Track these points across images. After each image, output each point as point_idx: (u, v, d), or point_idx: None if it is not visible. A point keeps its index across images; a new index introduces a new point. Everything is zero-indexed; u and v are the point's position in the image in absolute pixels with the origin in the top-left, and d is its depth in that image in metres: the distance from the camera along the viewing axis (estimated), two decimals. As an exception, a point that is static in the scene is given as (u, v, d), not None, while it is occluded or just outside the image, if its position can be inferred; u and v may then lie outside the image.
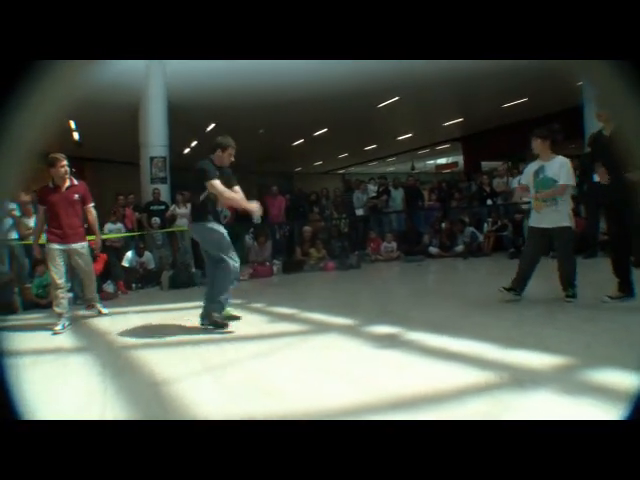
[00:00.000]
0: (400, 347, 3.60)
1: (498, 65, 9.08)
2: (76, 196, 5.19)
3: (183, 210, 9.45)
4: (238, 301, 5.96)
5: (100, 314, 5.73)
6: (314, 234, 10.02)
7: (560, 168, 4.70)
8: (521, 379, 2.68)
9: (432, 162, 27.48)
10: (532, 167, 4.95)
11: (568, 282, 4.74)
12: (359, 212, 11.57)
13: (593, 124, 9.29)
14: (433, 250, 9.98)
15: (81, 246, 5.26)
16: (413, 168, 24.74)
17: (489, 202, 10.89)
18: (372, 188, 12.03)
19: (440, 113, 15.33)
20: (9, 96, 0.93)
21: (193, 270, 8.66)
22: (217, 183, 4.41)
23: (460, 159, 21.64)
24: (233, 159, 4.66)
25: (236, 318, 4.78)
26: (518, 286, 4.89)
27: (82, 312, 5.90)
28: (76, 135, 13.62)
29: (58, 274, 5.10)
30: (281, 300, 6.18)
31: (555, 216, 4.72)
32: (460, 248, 9.80)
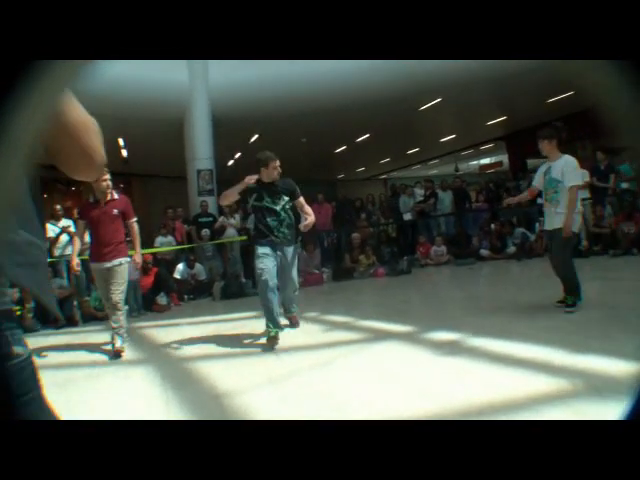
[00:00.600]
0: (462, 354, 3.50)
1: (539, 60, 8.84)
2: (115, 211, 4.92)
3: (232, 221, 9.57)
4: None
5: (115, 353, 4.68)
6: (363, 240, 9.97)
7: (564, 168, 4.53)
8: (599, 387, 2.55)
9: (475, 162, 26.99)
10: (542, 168, 4.81)
11: (568, 289, 4.52)
12: (406, 217, 11.45)
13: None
14: (484, 252, 9.77)
15: (118, 262, 4.85)
16: (457, 169, 24.33)
17: (539, 201, 10.60)
18: (419, 192, 11.88)
19: (483, 113, 15.03)
20: (9, 96, 0.93)
21: (243, 280, 8.74)
22: None
23: (504, 158, 21.17)
24: (280, 170, 4.66)
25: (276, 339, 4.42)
26: (572, 294, 4.53)
27: (138, 324, 5.95)
28: (124, 152, 14.02)
29: (101, 291, 4.99)
30: (334, 308, 6.15)
31: (555, 218, 4.56)
32: (512, 249, 9.55)
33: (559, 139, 4.64)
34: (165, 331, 5.71)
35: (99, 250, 4.84)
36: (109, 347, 4.77)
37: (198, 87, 11.07)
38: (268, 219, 4.57)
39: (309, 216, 4.59)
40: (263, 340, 4.46)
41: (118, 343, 4.68)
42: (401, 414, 2.49)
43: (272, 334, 4.31)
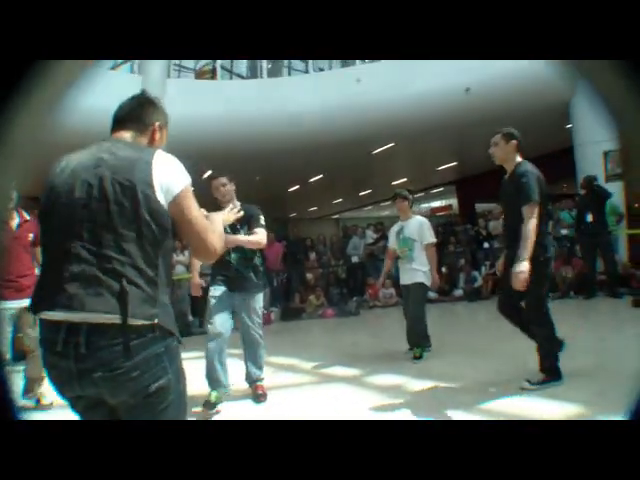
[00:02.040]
0: (409, 398, 3.51)
1: (489, 112, 9.29)
2: (31, 236, 4.08)
3: (181, 257, 9.41)
4: (236, 351, 5.83)
5: (39, 405, 4.07)
6: (313, 281, 9.99)
7: (420, 228, 4.92)
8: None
9: (427, 205, 27.74)
10: (395, 228, 5.20)
11: (416, 341, 4.87)
12: (354, 259, 11.51)
13: (585, 165, 9.48)
14: (432, 295, 9.92)
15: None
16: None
17: (486, 245, 10.92)
18: (370, 234, 12.04)
19: (434, 158, 15.54)
20: (10, 96, 0.93)
21: (190, 319, 8.55)
22: None
23: (454, 201, 21.84)
24: (228, 190, 3.92)
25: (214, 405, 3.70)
26: (419, 343, 4.89)
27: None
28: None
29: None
30: (282, 349, 6.07)
31: (410, 273, 4.89)
32: (459, 292, 9.75)
33: (411, 202, 5.10)
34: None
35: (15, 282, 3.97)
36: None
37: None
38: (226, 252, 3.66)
39: (254, 237, 3.73)
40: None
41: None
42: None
43: (209, 398, 3.64)
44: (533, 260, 3.27)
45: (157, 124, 1.69)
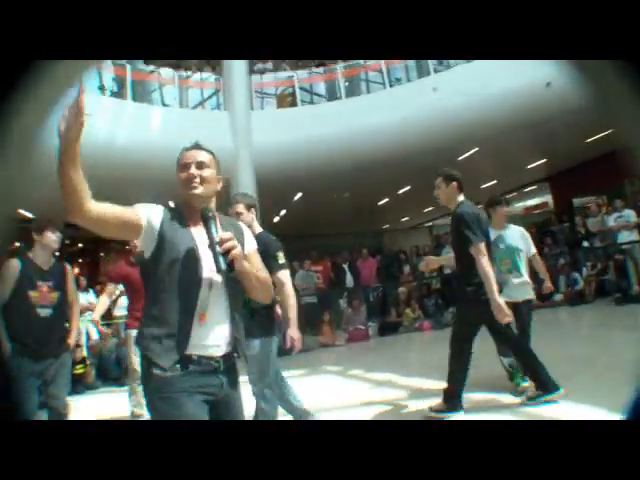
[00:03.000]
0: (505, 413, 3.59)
1: (572, 102, 8.91)
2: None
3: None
4: (337, 368, 6.14)
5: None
6: (408, 294, 10.08)
7: (522, 237, 4.47)
8: None
9: (521, 204, 26.68)
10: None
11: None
12: (447, 269, 11.27)
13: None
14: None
15: None
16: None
17: (585, 244, 10.47)
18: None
19: (522, 157, 15.06)
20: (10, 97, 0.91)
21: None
22: None
23: (550, 198, 20.87)
24: (242, 214, 3.32)
25: None
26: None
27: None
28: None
29: None
30: (379, 365, 6.27)
31: (520, 288, 4.27)
32: (559, 297, 9.43)
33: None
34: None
35: None
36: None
37: (242, 153, 11.73)
38: None
39: (290, 308, 3.21)
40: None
41: None
42: None
43: None
44: (469, 297, 3.56)
45: None
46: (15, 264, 3.37)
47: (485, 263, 3.45)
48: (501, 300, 3.43)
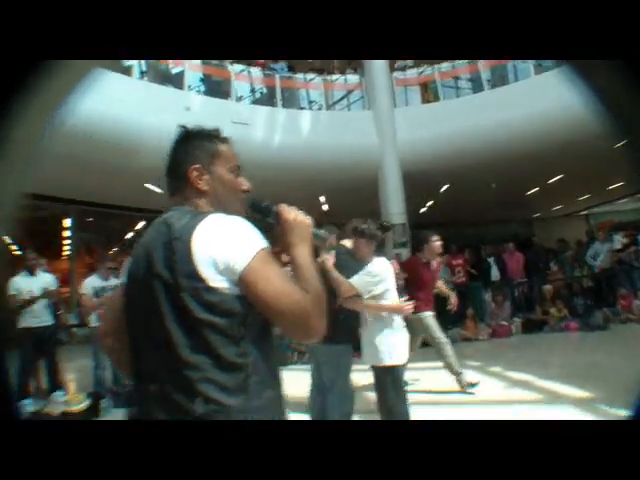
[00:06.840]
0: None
1: None
2: None
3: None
4: (476, 363, 6.34)
5: None
6: (554, 293, 9.78)
7: None
8: None
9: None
10: None
11: None
12: (598, 264, 10.50)
13: None
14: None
15: None
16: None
17: None
18: (618, 239, 11.11)
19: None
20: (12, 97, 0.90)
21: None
22: None
23: None
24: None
25: None
26: None
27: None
28: (325, 207, 15.63)
29: None
30: (519, 364, 6.29)
31: None
32: None
33: None
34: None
35: None
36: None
37: (387, 149, 12.16)
38: None
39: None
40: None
41: None
42: None
43: None
44: None
45: (192, 169, 1.26)
46: None
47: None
48: None
